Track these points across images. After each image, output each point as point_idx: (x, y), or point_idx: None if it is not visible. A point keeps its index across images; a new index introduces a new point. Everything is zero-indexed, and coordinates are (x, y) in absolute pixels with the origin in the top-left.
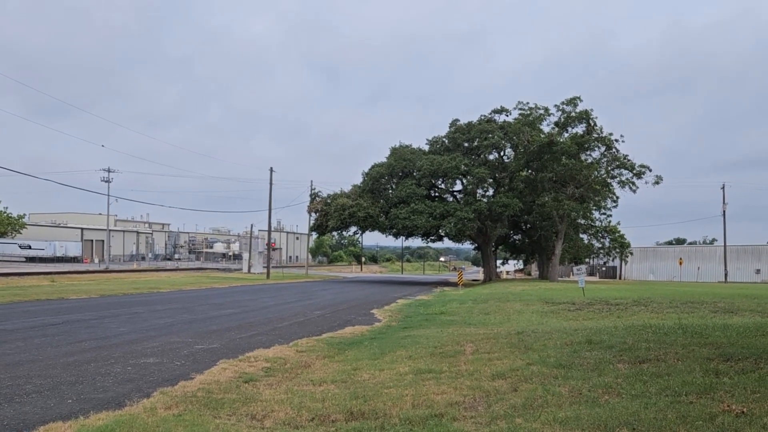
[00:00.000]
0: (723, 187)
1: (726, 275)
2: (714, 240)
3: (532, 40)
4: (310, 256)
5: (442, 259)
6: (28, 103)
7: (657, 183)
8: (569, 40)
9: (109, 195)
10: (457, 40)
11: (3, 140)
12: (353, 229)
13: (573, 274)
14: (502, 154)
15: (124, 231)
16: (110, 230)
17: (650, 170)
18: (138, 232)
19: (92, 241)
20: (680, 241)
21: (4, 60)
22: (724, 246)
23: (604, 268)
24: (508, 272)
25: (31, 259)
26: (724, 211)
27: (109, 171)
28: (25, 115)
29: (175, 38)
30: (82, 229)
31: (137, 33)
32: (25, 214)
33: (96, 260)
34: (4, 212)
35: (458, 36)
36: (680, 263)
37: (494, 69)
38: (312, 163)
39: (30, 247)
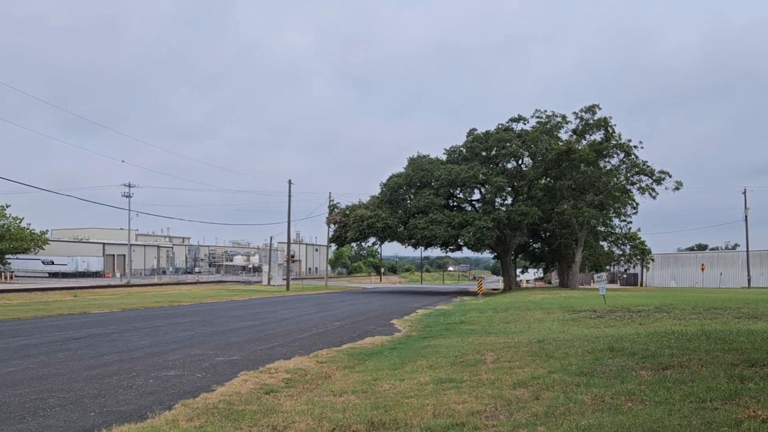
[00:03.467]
0: (744, 192)
1: (749, 281)
2: (736, 245)
3: (568, 46)
4: (329, 268)
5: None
6: (60, 118)
7: (677, 189)
8: (606, 46)
9: (129, 210)
10: (493, 48)
11: (33, 157)
12: (372, 240)
13: (594, 282)
14: (520, 162)
15: (145, 245)
16: (131, 245)
17: (670, 176)
18: (159, 246)
19: (114, 255)
20: (702, 247)
21: (38, 75)
22: (747, 251)
23: (624, 276)
24: (528, 281)
25: (53, 275)
26: (746, 216)
27: (129, 186)
28: (57, 130)
29: (208, 52)
30: (103, 244)
31: (173, 48)
32: (47, 230)
33: (117, 274)
34: (27, 228)
35: (494, 44)
36: (702, 269)
37: (528, 77)
38: (338, 175)
39: (53, 263)
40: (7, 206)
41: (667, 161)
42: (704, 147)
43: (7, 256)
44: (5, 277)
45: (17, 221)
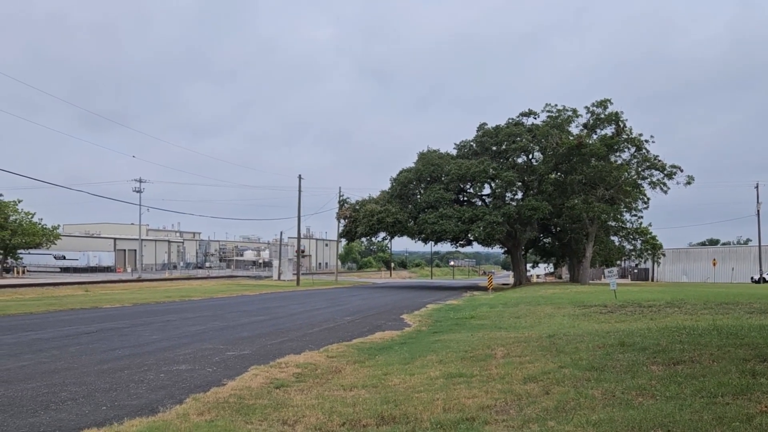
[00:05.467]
0: (756, 186)
1: (762, 275)
2: (748, 240)
3: (591, 38)
4: (339, 263)
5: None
6: (78, 114)
7: (689, 183)
8: (630, 37)
9: (140, 205)
10: (514, 40)
11: (49, 153)
12: (382, 234)
13: (604, 277)
14: (530, 157)
15: (155, 240)
16: (142, 240)
17: (681, 170)
18: (169, 241)
19: (125, 250)
20: (713, 242)
21: (57, 72)
22: (759, 246)
23: (635, 271)
24: (538, 276)
25: (65, 270)
26: (758, 210)
27: (140, 181)
28: (75, 126)
29: (227, 48)
30: (114, 239)
31: (191, 44)
32: (59, 225)
33: (129, 269)
34: (39, 224)
35: (515, 36)
36: (714, 264)
37: (549, 70)
38: (353, 170)
39: (64, 258)
40: (19, 201)
41: (686, 154)
42: (723, 140)
43: (19, 251)
44: (17, 272)
45: (29, 216)
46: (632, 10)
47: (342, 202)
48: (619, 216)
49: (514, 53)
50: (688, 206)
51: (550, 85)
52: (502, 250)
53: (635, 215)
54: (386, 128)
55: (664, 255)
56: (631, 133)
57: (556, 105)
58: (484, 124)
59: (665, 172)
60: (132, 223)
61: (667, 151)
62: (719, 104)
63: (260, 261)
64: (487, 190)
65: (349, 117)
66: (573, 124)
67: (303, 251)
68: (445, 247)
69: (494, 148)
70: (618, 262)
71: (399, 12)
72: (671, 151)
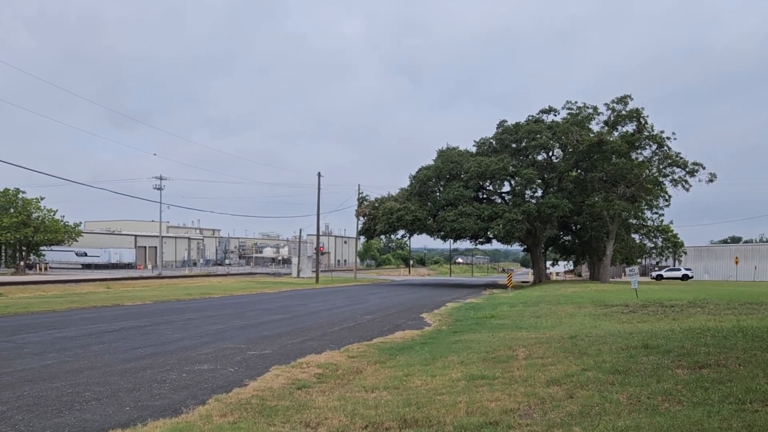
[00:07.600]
0: None
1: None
2: None
3: (627, 33)
4: (358, 260)
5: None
6: (107, 112)
7: (711, 181)
8: (667, 34)
9: (161, 202)
10: (549, 35)
11: (76, 151)
12: (401, 232)
13: (625, 275)
14: (550, 154)
15: (176, 237)
16: (162, 237)
17: (704, 168)
18: (189, 239)
19: (145, 247)
20: (736, 240)
21: (89, 69)
22: None
23: (657, 269)
24: (557, 274)
25: (87, 266)
26: None
27: (161, 179)
28: (105, 123)
29: (256, 45)
30: (135, 236)
31: (222, 42)
32: (81, 222)
33: (149, 266)
34: (61, 221)
35: (550, 31)
36: (736, 262)
37: (584, 66)
38: (377, 167)
39: (86, 255)
40: (42, 198)
41: (714, 151)
42: (755, 137)
43: (41, 248)
44: (39, 269)
45: (51, 213)
46: (670, 2)
47: (361, 200)
48: (640, 214)
49: (547, 48)
50: (710, 204)
51: (582, 80)
52: (522, 248)
53: (656, 213)
54: (411, 126)
55: (685, 253)
56: (653, 130)
57: (576, 102)
58: (504, 121)
59: (687, 169)
60: (153, 220)
61: (697, 148)
62: (754, 100)
63: (279, 258)
64: (506, 188)
65: (375, 114)
66: (594, 122)
67: (322, 248)
68: (464, 244)
69: (514, 145)
70: (639, 260)
71: (430, 6)
72: (700, 147)
